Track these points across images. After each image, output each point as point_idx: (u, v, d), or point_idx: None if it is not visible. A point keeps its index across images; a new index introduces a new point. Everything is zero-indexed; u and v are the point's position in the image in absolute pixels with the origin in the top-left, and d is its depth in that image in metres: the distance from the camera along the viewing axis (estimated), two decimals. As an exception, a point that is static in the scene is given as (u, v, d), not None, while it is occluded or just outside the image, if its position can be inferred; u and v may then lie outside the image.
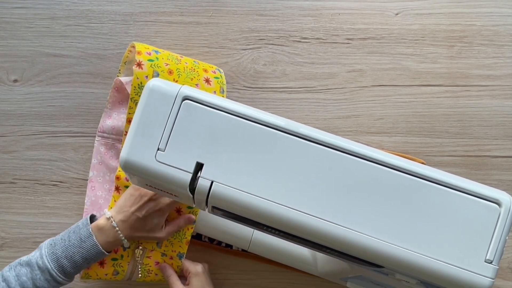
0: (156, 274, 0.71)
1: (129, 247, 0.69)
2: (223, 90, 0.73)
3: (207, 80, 0.71)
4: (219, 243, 0.77)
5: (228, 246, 0.78)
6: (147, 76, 0.66)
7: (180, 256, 0.71)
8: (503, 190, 0.48)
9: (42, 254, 0.61)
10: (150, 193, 0.64)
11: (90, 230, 0.62)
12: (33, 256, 0.61)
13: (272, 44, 0.82)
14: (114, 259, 0.69)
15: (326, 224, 0.46)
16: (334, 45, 0.81)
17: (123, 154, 0.48)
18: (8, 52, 0.82)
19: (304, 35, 0.82)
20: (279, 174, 0.47)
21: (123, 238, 0.64)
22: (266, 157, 0.47)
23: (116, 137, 0.78)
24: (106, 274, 0.69)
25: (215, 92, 0.71)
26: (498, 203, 0.46)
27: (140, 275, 0.71)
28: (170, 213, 0.70)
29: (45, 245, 0.62)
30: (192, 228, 0.71)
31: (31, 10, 0.82)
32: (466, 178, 0.48)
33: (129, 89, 0.71)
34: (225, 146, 0.47)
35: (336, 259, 0.54)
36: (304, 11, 0.82)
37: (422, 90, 0.80)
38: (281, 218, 0.46)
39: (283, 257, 0.73)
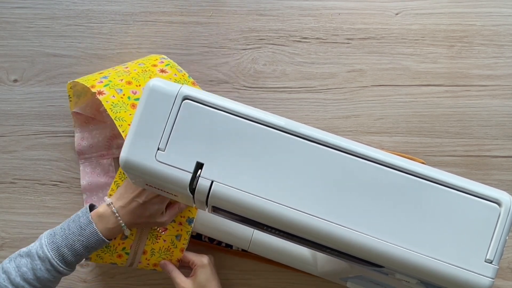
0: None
1: (127, 237, 0.69)
2: (181, 70, 0.74)
3: (162, 71, 0.72)
4: (219, 243, 0.77)
5: (228, 246, 0.78)
6: (114, 96, 0.67)
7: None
8: (503, 190, 0.47)
9: (42, 244, 0.60)
10: None
11: (90, 218, 0.62)
12: (33, 246, 0.61)
13: (272, 44, 0.82)
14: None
15: (326, 224, 0.46)
16: (334, 45, 0.81)
17: (123, 154, 0.48)
18: (8, 52, 0.82)
19: (304, 35, 0.82)
20: (279, 174, 0.47)
21: (124, 224, 0.63)
22: (266, 157, 0.47)
23: (98, 153, 0.79)
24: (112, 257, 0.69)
25: (176, 75, 0.72)
26: (498, 203, 0.46)
27: (140, 262, 0.70)
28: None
29: (45, 235, 0.62)
30: None
31: (31, 10, 0.82)
32: (466, 178, 0.48)
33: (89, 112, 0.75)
34: (225, 146, 0.47)
35: (336, 259, 0.54)
36: (304, 11, 0.82)
37: (422, 90, 0.80)
38: (281, 218, 0.46)
39: (283, 257, 0.73)
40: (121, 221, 0.63)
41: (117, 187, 0.67)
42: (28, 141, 0.81)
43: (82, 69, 0.81)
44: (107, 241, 0.63)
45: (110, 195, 0.66)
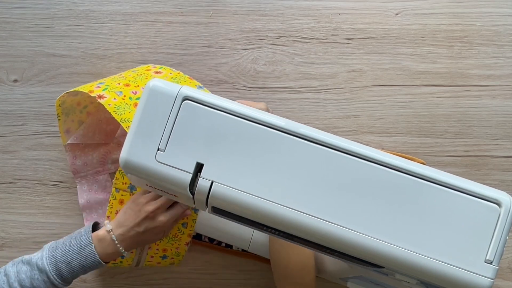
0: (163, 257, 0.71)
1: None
2: (175, 70, 0.73)
3: (157, 72, 0.72)
4: (219, 243, 0.78)
5: (228, 246, 0.78)
6: (115, 98, 0.66)
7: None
8: (503, 190, 0.47)
9: (43, 255, 0.62)
10: (148, 209, 0.63)
11: (91, 238, 0.62)
12: (35, 256, 0.62)
13: (272, 44, 0.82)
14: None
15: (326, 224, 0.46)
16: (334, 45, 0.81)
17: (123, 154, 0.48)
18: (8, 52, 0.82)
19: (304, 35, 0.82)
20: (279, 174, 0.47)
21: (123, 250, 0.63)
22: (266, 157, 0.47)
23: (93, 170, 0.79)
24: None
25: (171, 73, 0.72)
26: (498, 203, 0.46)
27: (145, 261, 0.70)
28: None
29: (47, 247, 0.63)
30: None
31: (31, 10, 0.82)
32: (466, 178, 0.48)
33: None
34: (225, 147, 0.47)
35: (336, 259, 0.54)
36: (304, 11, 0.82)
37: (422, 90, 0.80)
38: (281, 218, 0.46)
39: (283, 257, 0.73)
40: (120, 248, 0.63)
41: (111, 208, 0.67)
42: (28, 141, 0.81)
43: (82, 69, 0.81)
44: (104, 264, 0.63)
45: (108, 216, 0.66)
